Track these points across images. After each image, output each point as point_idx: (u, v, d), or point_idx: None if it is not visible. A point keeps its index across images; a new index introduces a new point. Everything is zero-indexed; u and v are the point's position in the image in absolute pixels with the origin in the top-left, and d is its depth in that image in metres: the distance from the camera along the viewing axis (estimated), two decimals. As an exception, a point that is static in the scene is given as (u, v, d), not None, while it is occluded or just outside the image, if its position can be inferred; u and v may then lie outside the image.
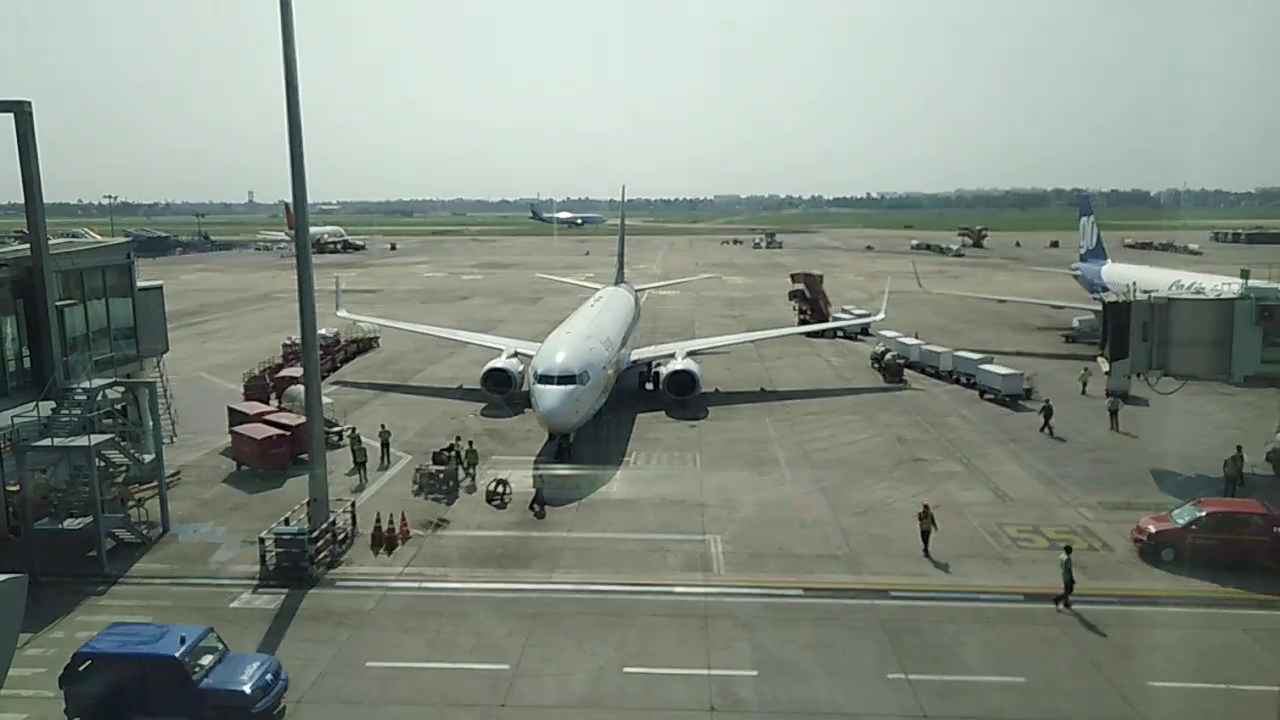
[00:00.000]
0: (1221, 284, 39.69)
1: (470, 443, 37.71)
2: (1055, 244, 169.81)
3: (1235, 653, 22.88)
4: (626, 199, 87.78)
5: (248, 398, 45.90)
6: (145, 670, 19.88)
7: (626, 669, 22.11)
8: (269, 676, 20.53)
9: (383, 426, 40.80)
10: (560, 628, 24.22)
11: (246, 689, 19.88)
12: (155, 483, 31.89)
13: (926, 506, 29.30)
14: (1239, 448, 34.46)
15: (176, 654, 19.96)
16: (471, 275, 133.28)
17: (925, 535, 28.70)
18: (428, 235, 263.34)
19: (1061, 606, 25.03)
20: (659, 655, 22.78)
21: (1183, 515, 28.69)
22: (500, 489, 33.71)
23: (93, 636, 21.18)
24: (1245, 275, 37.32)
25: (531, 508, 32.65)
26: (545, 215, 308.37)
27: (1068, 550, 25.66)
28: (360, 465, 37.19)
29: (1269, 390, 38.63)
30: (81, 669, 19.92)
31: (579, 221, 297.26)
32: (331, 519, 29.00)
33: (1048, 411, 43.31)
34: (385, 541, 29.48)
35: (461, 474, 35.59)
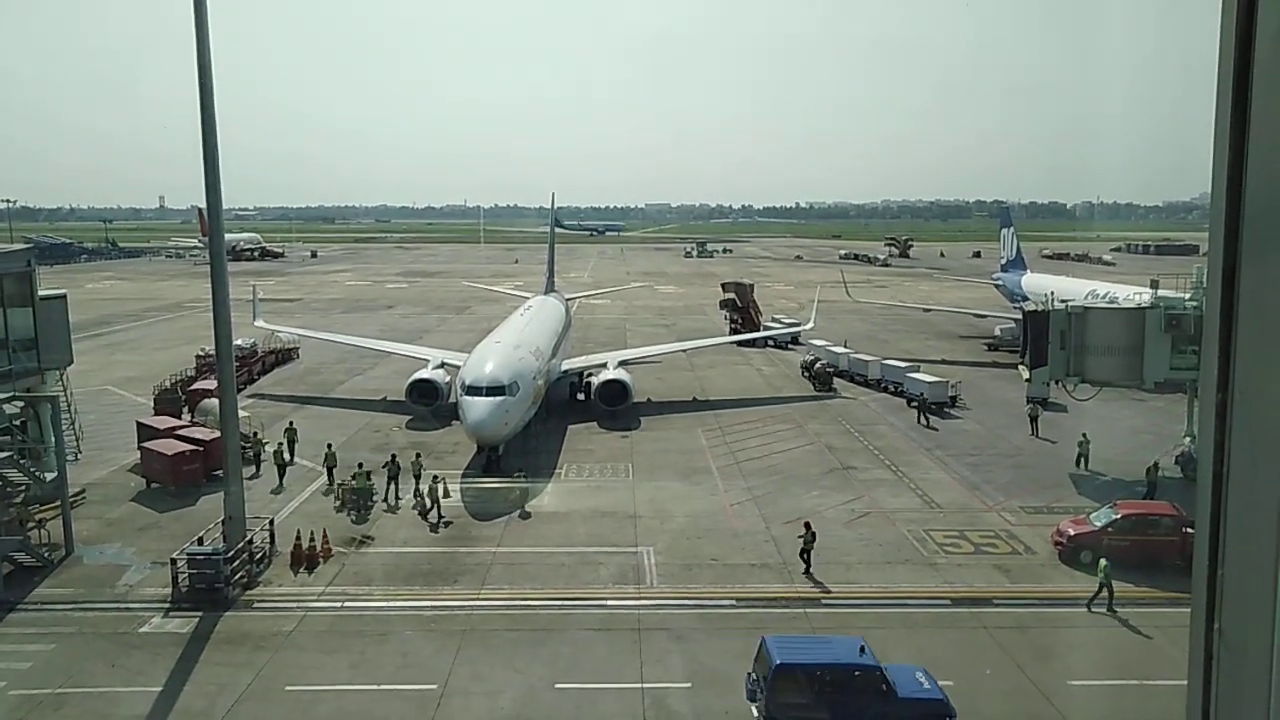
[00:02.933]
0: (1134, 293, 41.25)
1: (418, 455, 36.68)
2: (978, 254, 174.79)
3: (1148, 649, 23.73)
4: (556, 206, 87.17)
5: (158, 412, 43.94)
6: (850, 681, 19.48)
7: (558, 685, 21.71)
8: (940, 684, 20.08)
9: (290, 424, 40.32)
10: (489, 645, 23.67)
11: (942, 696, 19.44)
12: (58, 502, 30.16)
13: (808, 524, 28.82)
14: (1156, 462, 35.78)
15: (878, 663, 19.59)
16: (396, 284, 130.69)
17: (805, 553, 28.08)
18: (350, 242, 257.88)
19: (1106, 610, 25.65)
20: (591, 670, 22.45)
21: (1099, 518, 29.56)
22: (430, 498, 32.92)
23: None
24: (1155, 285, 38.81)
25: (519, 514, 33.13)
26: (569, 224, 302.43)
27: (1106, 558, 26.44)
28: (280, 468, 37.03)
29: (1177, 395, 40.22)
30: (783, 682, 19.47)
31: (601, 230, 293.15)
32: (248, 537, 27.87)
33: (923, 403, 47.23)
34: (305, 560, 28.41)
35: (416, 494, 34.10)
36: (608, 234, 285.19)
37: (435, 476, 33.85)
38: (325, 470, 36.76)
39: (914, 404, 49.75)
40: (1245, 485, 2.26)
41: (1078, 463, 38.44)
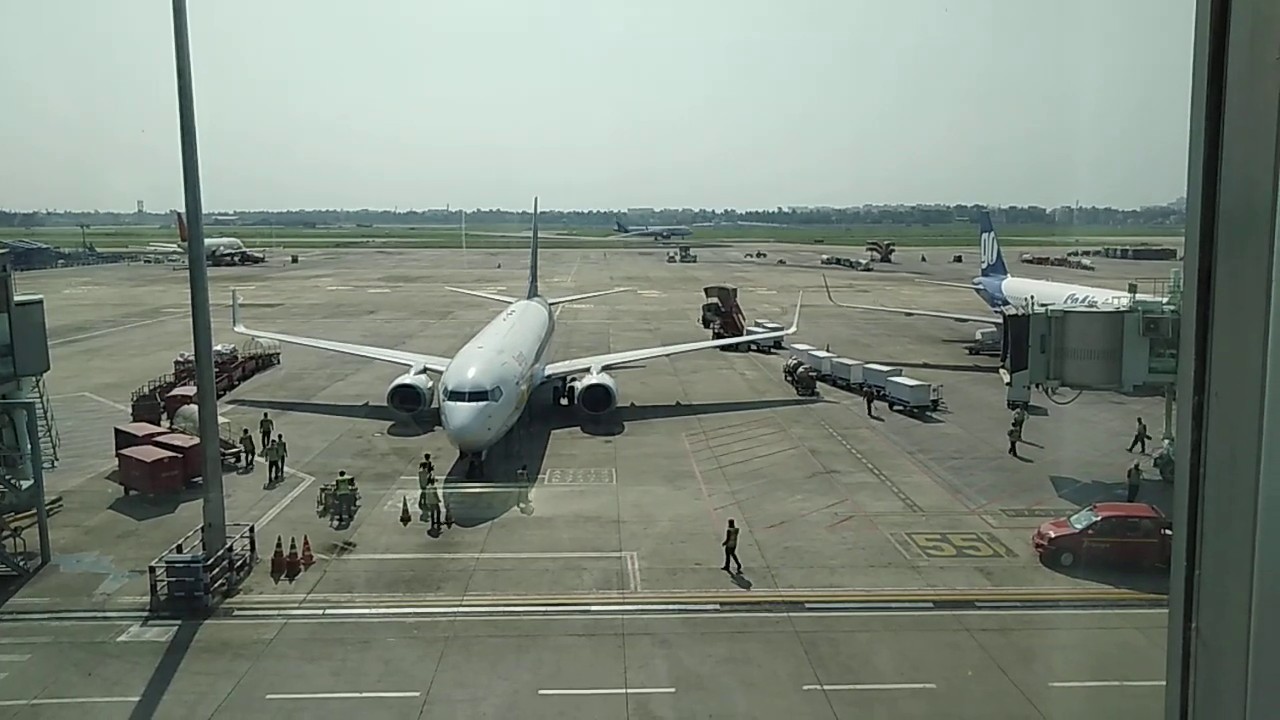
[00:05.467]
0: (1112, 297, 41.63)
1: (427, 456, 36.68)
2: (959, 259, 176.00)
3: (1128, 651, 23.85)
4: (539, 211, 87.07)
5: (136, 418, 43.48)
6: None
7: (542, 691, 21.61)
8: None
9: (265, 415, 42.00)
10: (473, 651, 23.55)
11: None
12: (34, 510, 29.79)
13: (731, 522, 29.23)
14: (1136, 464, 36.31)
15: None
16: (378, 289, 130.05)
17: (730, 552, 28.35)
18: (331, 247, 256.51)
19: None
20: (575, 676, 22.36)
21: (1080, 521, 29.77)
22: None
23: None
24: (1133, 289, 39.17)
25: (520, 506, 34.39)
26: (633, 229, 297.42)
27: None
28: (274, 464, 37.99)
29: (1156, 398, 40.62)
30: None
31: (667, 235, 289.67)
32: (228, 544, 27.61)
33: (869, 396, 50.16)
34: (286, 567, 28.15)
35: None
36: (672, 238, 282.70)
37: (431, 480, 33.85)
38: (269, 464, 38.05)
39: (896, 407, 50.10)
40: (1222, 486, 2.29)
41: (1011, 450, 41.29)
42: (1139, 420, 41.55)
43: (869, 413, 49.41)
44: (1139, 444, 40.81)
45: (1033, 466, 39.92)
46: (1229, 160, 2.26)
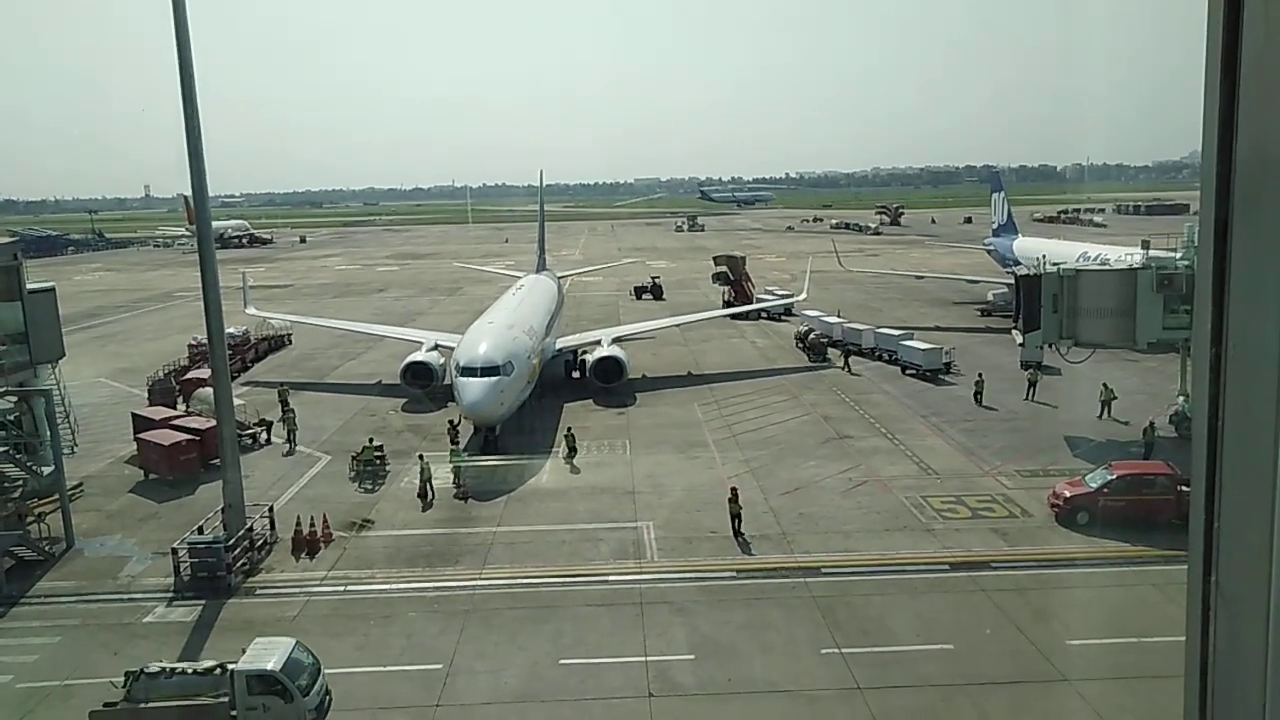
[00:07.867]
0: (1125, 254, 41.23)
1: (451, 422, 38.78)
2: (969, 220, 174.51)
3: (1144, 607, 23.92)
4: (545, 184, 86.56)
5: (153, 402, 43.85)
6: None
7: (562, 661, 21.88)
8: None
9: (281, 385, 44.98)
10: (493, 624, 23.83)
11: None
12: (56, 496, 30.20)
13: (735, 490, 29.73)
14: (1151, 421, 36.15)
15: None
16: (386, 267, 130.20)
17: (735, 518, 28.90)
18: (338, 226, 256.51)
19: None
20: (594, 645, 22.62)
21: (1095, 479, 29.72)
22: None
23: None
24: (1146, 246, 38.80)
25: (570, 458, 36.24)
26: (715, 196, 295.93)
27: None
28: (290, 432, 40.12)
29: (1170, 355, 40.33)
30: None
31: (749, 201, 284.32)
32: (248, 525, 27.92)
33: (847, 353, 53.14)
34: (307, 545, 28.50)
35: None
36: (756, 204, 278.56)
37: (421, 456, 34.53)
38: (286, 431, 40.08)
39: (908, 371, 49.91)
40: (1240, 438, 2.28)
41: (975, 399, 43.43)
42: (1104, 385, 40.83)
43: (847, 369, 51.69)
44: (1105, 410, 40.07)
45: (1047, 427, 39.69)
46: (1245, 112, 2.22)
